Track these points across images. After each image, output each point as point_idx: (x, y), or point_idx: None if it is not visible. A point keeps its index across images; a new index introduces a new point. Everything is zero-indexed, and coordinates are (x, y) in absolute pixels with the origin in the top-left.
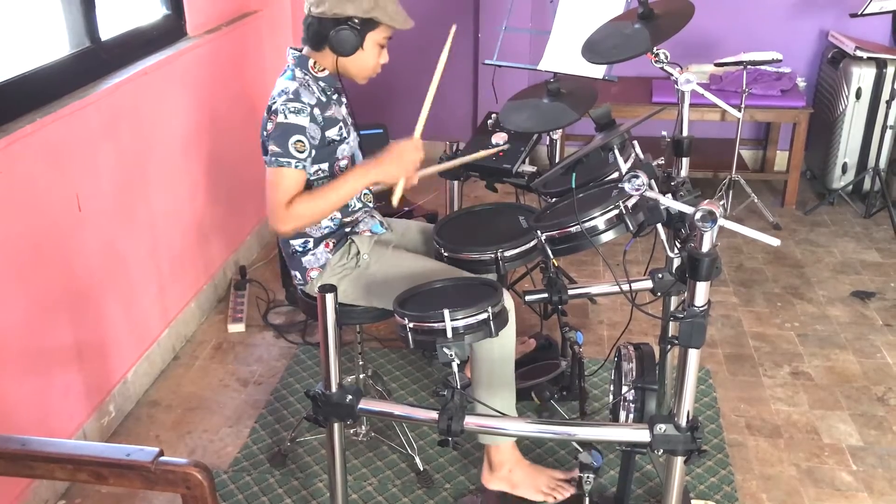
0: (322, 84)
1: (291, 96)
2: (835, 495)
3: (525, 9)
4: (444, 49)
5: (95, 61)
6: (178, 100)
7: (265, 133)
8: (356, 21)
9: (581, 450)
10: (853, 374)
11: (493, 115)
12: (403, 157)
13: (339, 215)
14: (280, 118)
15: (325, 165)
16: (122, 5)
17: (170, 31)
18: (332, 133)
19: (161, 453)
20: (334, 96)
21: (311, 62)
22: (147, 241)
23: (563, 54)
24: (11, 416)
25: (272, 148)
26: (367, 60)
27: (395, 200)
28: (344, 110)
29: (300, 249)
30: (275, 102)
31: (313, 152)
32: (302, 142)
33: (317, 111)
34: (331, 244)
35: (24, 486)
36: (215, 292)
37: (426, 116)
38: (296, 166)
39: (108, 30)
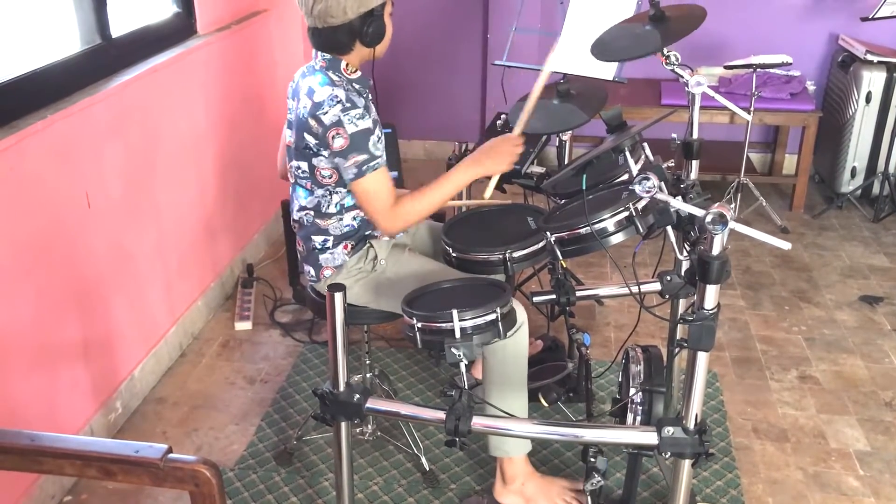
0: (357, 86)
1: (347, 104)
2: (841, 500)
3: (535, 10)
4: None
5: (106, 58)
6: (187, 98)
7: (323, 146)
8: (378, 8)
9: (594, 458)
10: (861, 378)
11: (503, 116)
12: (501, 152)
13: (362, 214)
14: (351, 129)
15: None
16: (133, 3)
17: (180, 29)
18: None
19: (170, 450)
20: (366, 95)
21: (343, 64)
22: (155, 238)
23: (573, 55)
24: (19, 411)
25: (356, 158)
26: (389, 34)
27: (489, 193)
28: (373, 109)
29: (319, 247)
30: (326, 112)
31: None
32: (379, 138)
33: (368, 112)
34: (349, 246)
35: (31, 481)
36: (222, 290)
37: (529, 114)
38: (384, 164)
39: (119, 27)
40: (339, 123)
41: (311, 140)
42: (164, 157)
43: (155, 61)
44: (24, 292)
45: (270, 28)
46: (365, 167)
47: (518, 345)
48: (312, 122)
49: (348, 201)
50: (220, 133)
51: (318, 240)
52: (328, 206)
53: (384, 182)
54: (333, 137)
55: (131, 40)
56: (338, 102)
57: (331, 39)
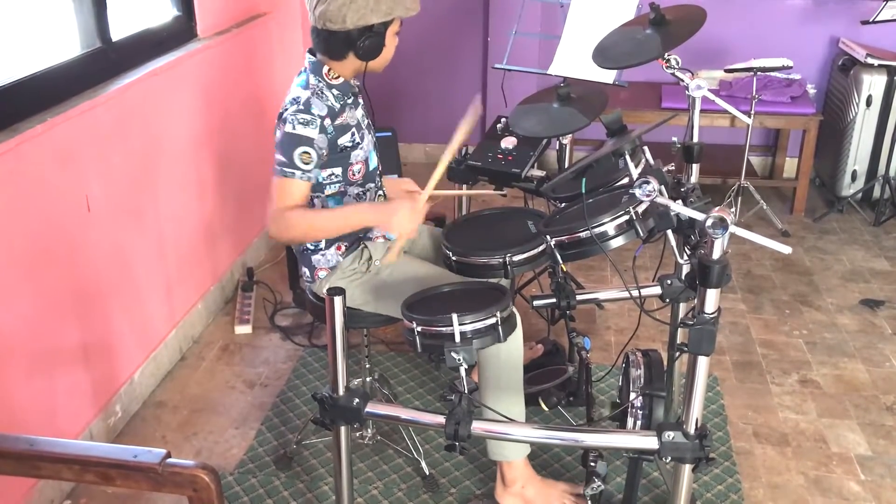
0: (336, 91)
1: (301, 107)
2: None
3: (535, 13)
4: (462, 121)
5: (106, 62)
6: (187, 101)
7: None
8: (379, 25)
9: (594, 463)
10: (862, 382)
11: (503, 120)
12: (401, 215)
13: None
14: (288, 128)
15: (338, 170)
16: (133, 6)
17: (180, 32)
18: (344, 140)
19: (168, 455)
20: (349, 100)
21: (325, 69)
22: (155, 241)
23: (574, 59)
24: (18, 415)
25: (277, 157)
26: (389, 53)
27: (392, 256)
28: (360, 113)
29: (311, 248)
30: (286, 109)
31: (321, 163)
32: (308, 153)
33: (327, 122)
34: (343, 247)
35: (29, 485)
36: (222, 294)
37: (436, 183)
38: (300, 178)
39: (119, 30)
40: (284, 120)
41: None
42: (165, 160)
43: (155, 65)
44: (23, 296)
45: (270, 31)
46: (279, 168)
47: (512, 351)
48: (277, 120)
49: (330, 202)
50: (220, 136)
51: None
52: (312, 207)
53: (288, 191)
54: (276, 130)
55: (131, 44)
56: (295, 103)
57: (327, 43)
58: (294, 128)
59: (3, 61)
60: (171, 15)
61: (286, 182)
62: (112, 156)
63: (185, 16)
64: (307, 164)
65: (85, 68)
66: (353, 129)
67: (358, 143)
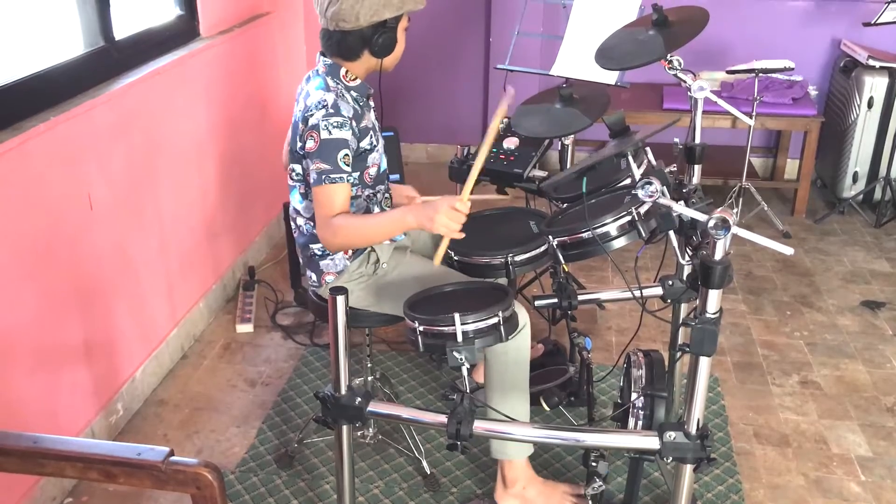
0: (354, 94)
1: (331, 110)
2: None
3: (537, 14)
4: (497, 111)
5: (109, 61)
6: (190, 100)
7: (301, 147)
8: (392, 20)
9: (595, 463)
10: (862, 384)
11: (505, 120)
12: (442, 214)
13: None
14: (324, 135)
15: (356, 174)
16: (137, 5)
17: (183, 31)
18: (364, 143)
19: (172, 453)
20: (365, 103)
21: (342, 71)
22: (157, 240)
23: (576, 60)
24: (20, 412)
25: (319, 165)
26: (400, 49)
27: (437, 259)
28: (373, 116)
29: (319, 253)
30: (311, 115)
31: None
32: (348, 155)
33: (354, 124)
34: (349, 251)
35: (32, 482)
36: (224, 292)
37: (475, 180)
38: (347, 180)
39: (122, 29)
40: (315, 127)
41: (300, 143)
42: (167, 159)
43: (158, 64)
44: (25, 293)
45: (273, 31)
46: (324, 176)
47: (520, 348)
48: (301, 125)
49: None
50: (222, 135)
51: (316, 247)
52: None
53: (336, 196)
54: (308, 139)
55: (134, 42)
56: (322, 107)
57: (341, 44)
58: (330, 133)
59: (6, 60)
60: (174, 14)
61: (334, 188)
62: (114, 154)
63: (188, 15)
64: (348, 165)
65: (88, 67)
66: (371, 132)
67: (374, 146)
